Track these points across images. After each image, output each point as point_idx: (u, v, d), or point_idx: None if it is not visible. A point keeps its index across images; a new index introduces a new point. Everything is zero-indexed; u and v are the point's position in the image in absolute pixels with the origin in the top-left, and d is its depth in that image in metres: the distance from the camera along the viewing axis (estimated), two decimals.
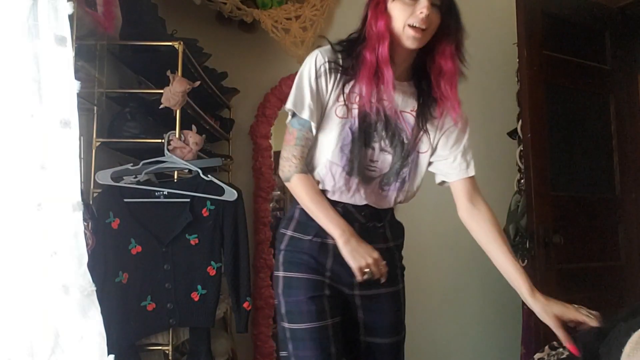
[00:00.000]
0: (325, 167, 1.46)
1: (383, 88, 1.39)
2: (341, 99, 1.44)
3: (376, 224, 1.51)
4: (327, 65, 1.44)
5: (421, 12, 1.32)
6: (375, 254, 1.36)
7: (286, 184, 1.49)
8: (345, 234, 1.38)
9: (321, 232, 1.45)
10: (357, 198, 1.47)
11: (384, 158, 1.47)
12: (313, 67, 1.45)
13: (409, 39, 1.35)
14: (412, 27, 1.34)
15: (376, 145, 1.45)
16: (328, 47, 1.47)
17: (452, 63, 1.40)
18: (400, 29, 1.35)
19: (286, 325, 1.47)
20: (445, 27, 1.38)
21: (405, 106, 1.48)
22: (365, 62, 1.39)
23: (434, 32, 1.38)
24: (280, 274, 1.51)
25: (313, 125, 1.44)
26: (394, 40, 1.38)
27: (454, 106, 1.44)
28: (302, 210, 1.49)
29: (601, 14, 2.78)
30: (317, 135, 1.48)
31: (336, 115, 1.44)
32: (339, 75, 1.44)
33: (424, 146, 1.51)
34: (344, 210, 1.46)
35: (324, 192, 1.48)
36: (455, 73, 1.42)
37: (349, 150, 1.43)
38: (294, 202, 1.53)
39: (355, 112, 1.42)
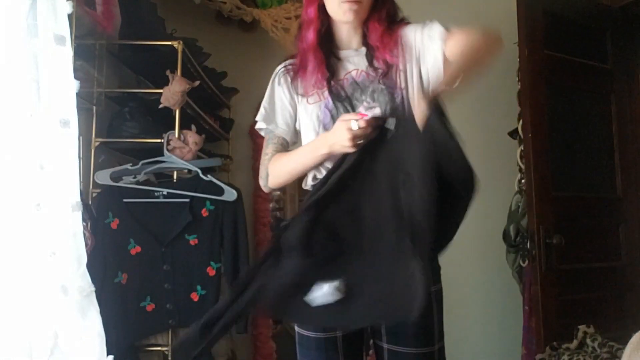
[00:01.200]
0: None
1: (307, 73, 1.41)
2: (310, 90, 1.44)
3: None
4: (283, 69, 1.50)
5: None
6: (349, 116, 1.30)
7: (269, 182, 1.48)
8: (323, 138, 1.35)
9: None
10: None
11: (374, 114, 1.39)
12: (272, 79, 1.52)
13: (346, 13, 1.36)
14: (346, 1, 1.35)
15: (362, 109, 1.40)
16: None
17: (378, 23, 1.40)
18: (336, 7, 1.37)
19: (296, 328, 1.44)
20: None
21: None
22: (301, 51, 1.44)
23: (372, 2, 1.39)
24: None
25: (276, 119, 1.49)
26: (335, 22, 1.42)
27: (384, 53, 1.40)
28: None
29: (602, 14, 2.77)
30: (300, 136, 1.49)
31: (309, 103, 1.44)
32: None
33: (403, 82, 1.43)
34: None
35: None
36: (380, 28, 1.40)
37: (332, 127, 1.38)
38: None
39: (326, 92, 1.42)
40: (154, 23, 2.36)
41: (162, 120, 2.21)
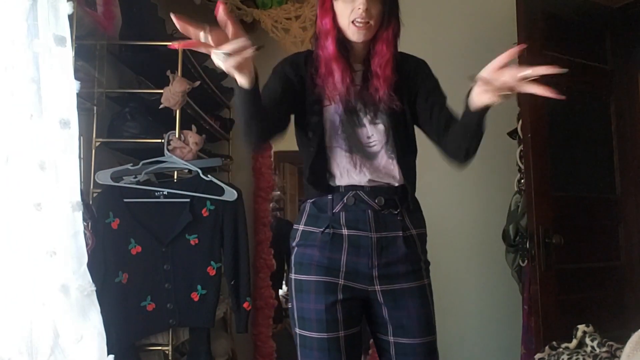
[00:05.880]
0: (330, 154, 1.48)
1: (335, 79, 1.43)
2: (328, 95, 1.47)
3: (392, 211, 1.47)
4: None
5: (359, 8, 1.37)
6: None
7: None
8: None
9: (333, 224, 1.44)
10: (366, 173, 1.46)
11: (378, 129, 1.48)
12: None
13: (355, 34, 1.41)
14: (355, 23, 1.39)
15: (366, 122, 1.47)
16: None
17: (385, 46, 1.44)
18: (346, 25, 1.41)
19: (297, 331, 1.45)
20: (383, 15, 1.43)
21: None
22: (319, 59, 1.46)
23: (380, 21, 1.42)
24: (293, 276, 1.49)
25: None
26: (344, 35, 1.44)
27: (378, 83, 1.44)
28: (312, 204, 1.49)
29: (602, 14, 2.78)
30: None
31: (323, 105, 1.48)
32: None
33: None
34: (355, 199, 1.45)
35: (333, 181, 1.48)
36: (387, 54, 1.44)
37: (342, 131, 1.46)
38: (305, 196, 1.53)
39: (337, 98, 1.45)
40: (154, 23, 2.36)
41: (162, 121, 2.22)
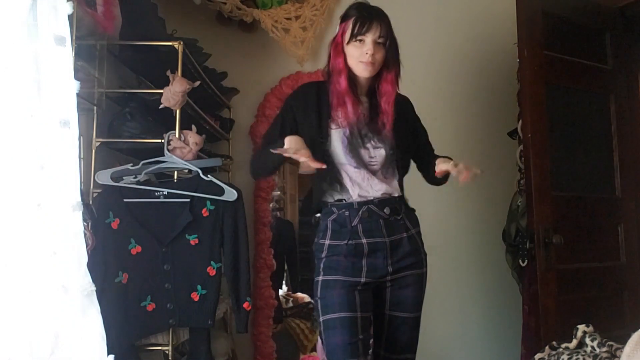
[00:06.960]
0: (342, 170, 1.80)
1: (348, 110, 1.76)
2: (339, 121, 1.80)
3: (396, 217, 1.82)
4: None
5: (367, 53, 1.73)
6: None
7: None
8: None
9: (353, 235, 1.76)
10: (373, 186, 1.80)
11: (380, 152, 1.81)
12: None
13: (362, 71, 1.77)
14: (362, 62, 1.74)
15: (369, 145, 1.80)
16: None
17: (391, 87, 1.79)
18: (355, 64, 1.77)
19: (321, 319, 1.74)
20: (387, 59, 1.78)
21: None
22: (332, 93, 1.80)
23: (382, 62, 1.77)
24: (321, 278, 1.78)
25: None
26: (352, 72, 1.79)
27: (386, 119, 1.79)
28: (334, 221, 1.79)
29: (602, 14, 2.78)
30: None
31: (331, 128, 1.80)
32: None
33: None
34: (369, 211, 1.78)
35: (346, 198, 1.80)
36: (392, 94, 1.79)
37: (349, 151, 1.79)
38: (324, 216, 1.83)
39: (345, 122, 1.78)
40: (154, 23, 2.36)
41: (162, 121, 2.22)
